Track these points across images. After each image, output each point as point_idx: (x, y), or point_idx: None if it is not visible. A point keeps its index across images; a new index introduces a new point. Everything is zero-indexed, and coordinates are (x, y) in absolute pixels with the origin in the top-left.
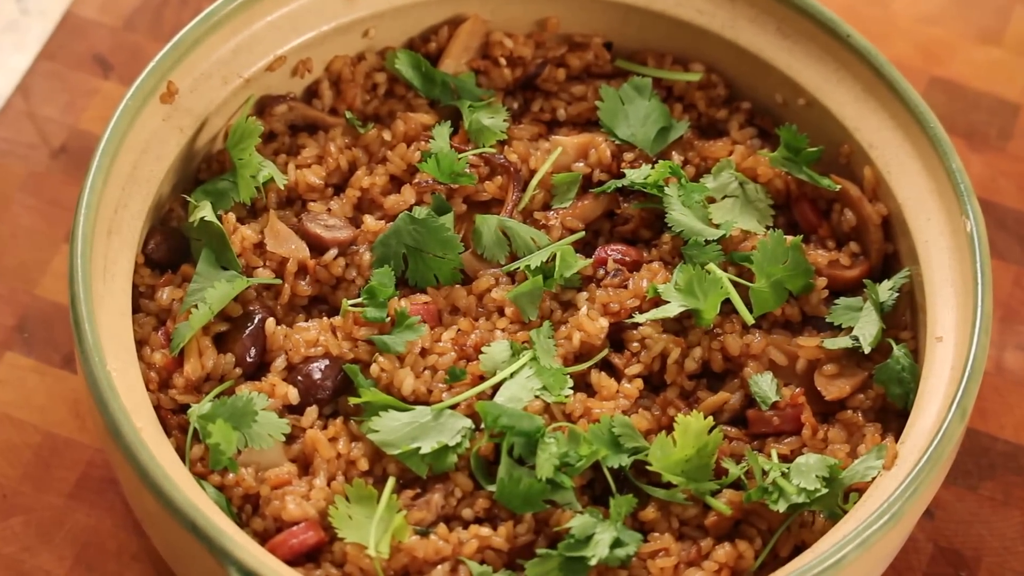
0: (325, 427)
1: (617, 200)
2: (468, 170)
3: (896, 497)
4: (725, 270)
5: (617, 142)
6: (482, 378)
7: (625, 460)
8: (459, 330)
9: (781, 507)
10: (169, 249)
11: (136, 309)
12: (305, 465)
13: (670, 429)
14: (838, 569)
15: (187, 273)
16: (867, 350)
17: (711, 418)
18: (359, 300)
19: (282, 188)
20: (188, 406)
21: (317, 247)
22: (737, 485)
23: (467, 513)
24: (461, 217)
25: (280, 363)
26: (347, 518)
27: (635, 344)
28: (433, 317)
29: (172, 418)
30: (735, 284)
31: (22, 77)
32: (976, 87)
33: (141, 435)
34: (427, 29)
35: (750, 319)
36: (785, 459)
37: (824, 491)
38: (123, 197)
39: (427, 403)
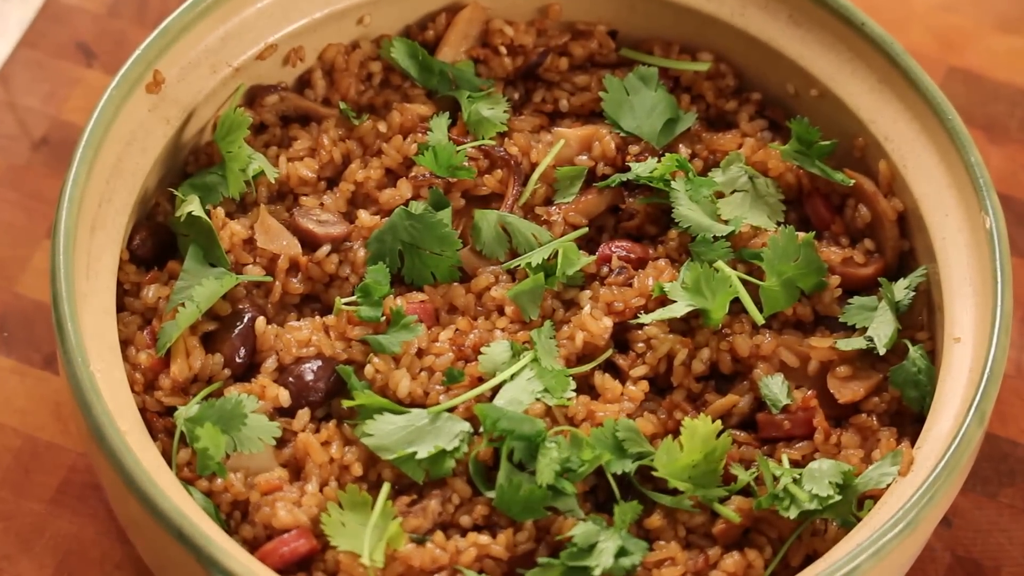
0: (317, 431)
1: (622, 195)
2: (467, 163)
3: (912, 504)
4: (734, 268)
5: (622, 134)
6: (481, 380)
7: (630, 465)
8: (457, 330)
9: (792, 514)
10: (155, 245)
11: (121, 308)
12: (296, 470)
13: (676, 433)
14: None
15: (174, 270)
16: (882, 351)
17: (719, 422)
18: (353, 298)
19: (273, 182)
20: (175, 408)
21: (309, 243)
22: (746, 492)
23: (465, 520)
24: (459, 212)
25: (271, 364)
26: (340, 525)
27: (640, 345)
28: (430, 316)
29: (158, 421)
30: (744, 282)
31: (1, 66)
32: (996, 77)
33: (126, 439)
34: (424, 16)
35: (760, 319)
36: (796, 464)
37: (837, 498)
38: (107, 191)
39: (424, 406)
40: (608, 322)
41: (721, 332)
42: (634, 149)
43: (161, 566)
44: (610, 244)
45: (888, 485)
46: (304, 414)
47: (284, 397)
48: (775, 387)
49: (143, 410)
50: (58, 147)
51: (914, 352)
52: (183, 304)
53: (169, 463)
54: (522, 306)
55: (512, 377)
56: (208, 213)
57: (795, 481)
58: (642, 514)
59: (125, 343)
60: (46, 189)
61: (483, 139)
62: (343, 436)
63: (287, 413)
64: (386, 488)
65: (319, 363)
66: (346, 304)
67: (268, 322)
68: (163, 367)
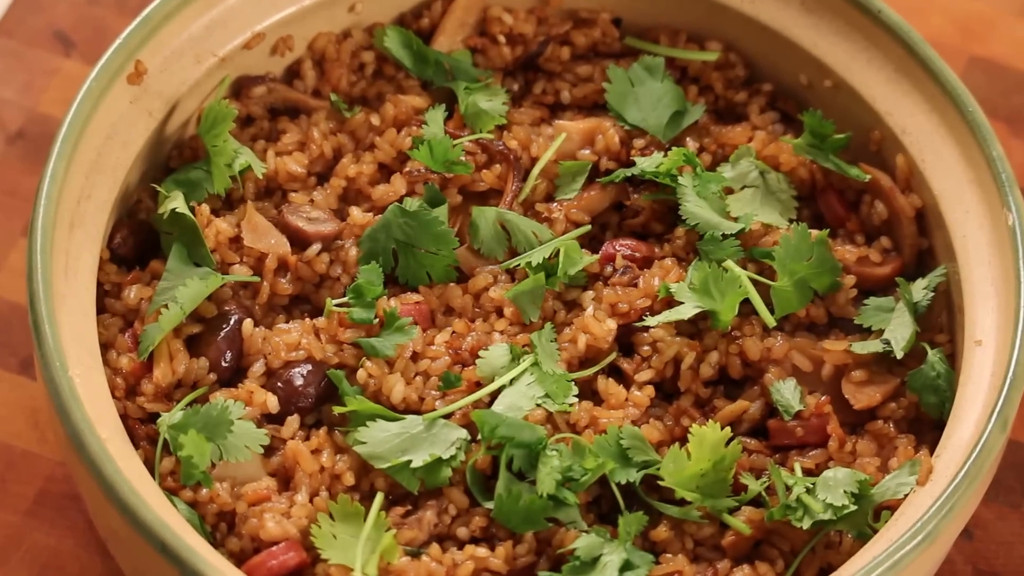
0: (307, 438)
1: (626, 191)
2: (464, 158)
3: (931, 515)
4: (744, 267)
5: (626, 127)
6: (479, 385)
7: (635, 475)
8: (454, 332)
9: (805, 525)
10: (137, 243)
11: (101, 309)
12: (285, 480)
13: (684, 441)
14: None
15: (156, 270)
16: (899, 355)
17: (729, 429)
18: (344, 300)
19: (260, 177)
20: (158, 415)
21: (299, 242)
22: (757, 502)
23: (462, 532)
24: (456, 209)
25: (258, 368)
26: (331, 537)
27: (646, 348)
28: (425, 318)
29: (140, 428)
30: (755, 283)
31: None
32: (1019, 67)
33: (106, 447)
34: (419, 3)
35: (771, 321)
36: (810, 473)
37: (852, 508)
38: (87, 187)
39: (419, 412)
40: (612, 324)
41: (730, 335)
42: (639, 143)
43: None
44: (614, 242)
45: (906, 495)
46: (293, 421)
47: (272, 403)
48: (787, 392)
49: (124, 417)
50: (35, 141)
51: (933, 356)
52: (166, 306)
53: (152, 472)
54: (522, 307)
55: (511, 382)
56: (192, 210)
57: (808, 491)
58: (648, 526)
59: (105, 346)
60: (22, 185)
61: (481, 132)
62: (334, 444)
63: (275, 420)
64: (379, 498)
65: (309, 367)
66: (337, 305)
67: (255, 324)
68: (145, 372)
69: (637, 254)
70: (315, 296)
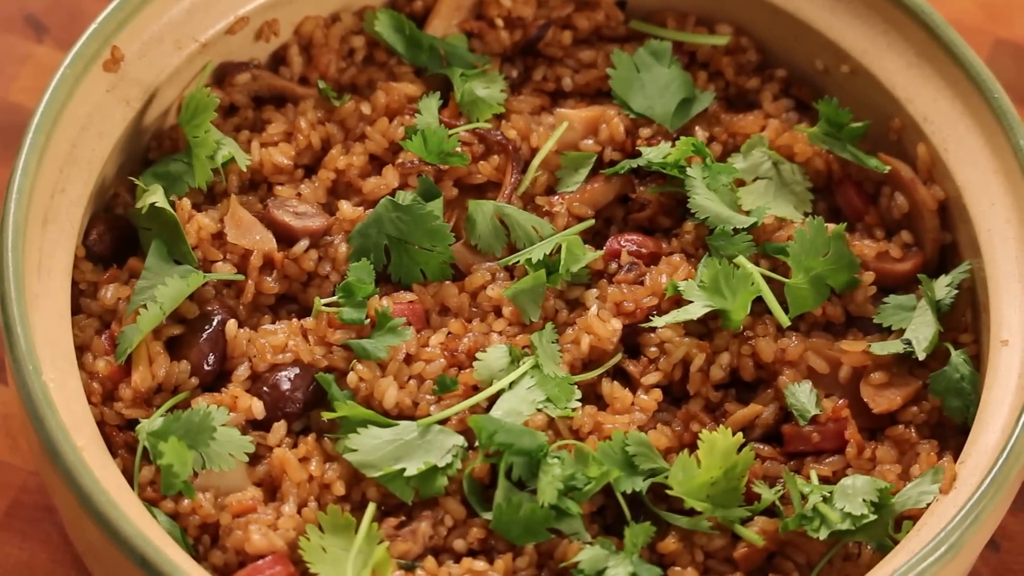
0: (295, 445)
1: (632, 183)
2: (459, 149)
3: (955, 525)
4: (757, 264)
5: (632, 116)
6: (476, 389)
7: (641, 483)
8: (449, 333)
9: (822, 535)
10: (114, 240)
11: (76, 310)
12: (272, 489)
13: (693, 447)
14: None
15: (135, 268)
16: (921, 356)
17: (740, 434)
18: (334, 299)
19: (244, 170)
20: (137, 422)
21: (285, 238)
22: (771, 512)
23: (459, 544)
24: (452, 203)
25: (243, 372)
26: (320, 551)
27: (653, 349)
28: (419, 318)
29: (118, 436)
30: (768, 280)
31: None
32: None
33: (82, 455)
34: None
35: (786, 320)
36: (827, 481)
37: (872, 518)
38: (61, 180)
39: (413, 418)
40: (617, 324)
41: (742, 335)
42: (645, 132)
43: None
44: (619, 238)
45: (928, 504)
46: (280, 427)
47: (258, 408)
48: (803, 396)
49: (101, 424)
50: (5, 132)
51: (957, 356)
52: (145, 306)
53: (130, 482)
54: (521, 307)
55: (511, 385)
56: (173, 205)
57: (825, 500)
58: (655, 537)
59: (81, 349)
60: None
61: (478, 122)
62: (323, 451)
63: (261, 426)
64: (371, 509)
65: (296, 371)
66: (326, 305)
67: (240, 325)
68: (123, 376)
69: (643, 250)
70: (303, 295)
